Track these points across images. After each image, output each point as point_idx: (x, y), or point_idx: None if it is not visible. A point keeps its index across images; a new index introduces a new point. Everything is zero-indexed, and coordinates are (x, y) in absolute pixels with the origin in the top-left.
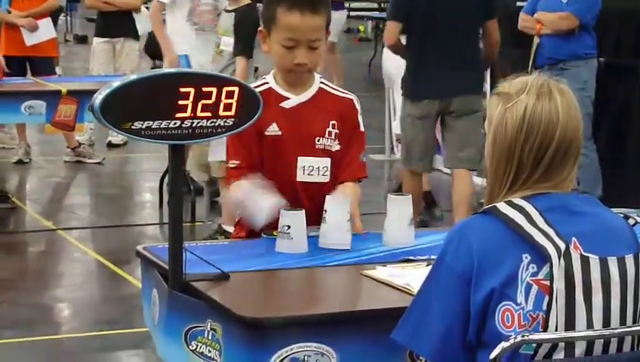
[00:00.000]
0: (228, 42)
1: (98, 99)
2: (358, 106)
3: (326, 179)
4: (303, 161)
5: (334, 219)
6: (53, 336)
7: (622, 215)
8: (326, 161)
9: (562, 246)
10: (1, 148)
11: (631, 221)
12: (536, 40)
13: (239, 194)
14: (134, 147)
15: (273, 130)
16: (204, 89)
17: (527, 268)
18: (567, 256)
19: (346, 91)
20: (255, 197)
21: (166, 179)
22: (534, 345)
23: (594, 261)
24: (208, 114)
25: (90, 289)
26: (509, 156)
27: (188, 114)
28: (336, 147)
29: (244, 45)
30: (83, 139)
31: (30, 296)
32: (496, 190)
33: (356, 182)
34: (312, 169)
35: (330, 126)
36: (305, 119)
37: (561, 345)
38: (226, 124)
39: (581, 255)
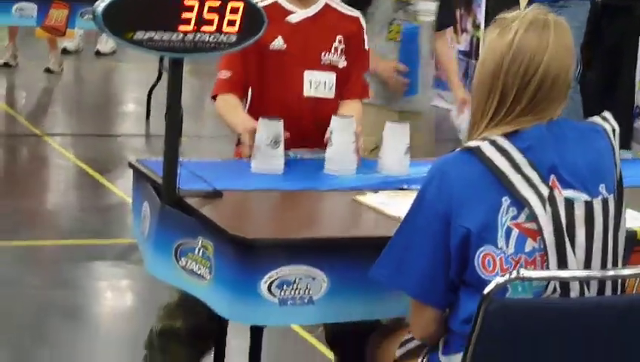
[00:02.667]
0: None
1: (101, 6)
2: (363, 24)
3: (332, 95)
4: (309, 76)
5: (340, 143)
6: (35, 242)
7: (598, 124)
8: (332, 77)
9: (546, 192)
10: None
11: (608, 128)
12: None
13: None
14: (122, 57)
15: (278, 44)
16: (208, 3)
17: (507, 212)
18: (552, 200)
19: (352, 9)
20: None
21: (154, 92)
22: (528, 289)
23: (579, 204)
24: (211, 28)
25: (72, 196)
26: (493, 81)
27: (191, 27)
28: (342, 63)
29: None
30: (71, 46)
31: (13, 200)
32: (478, 115)
33: (359, 101)
34: (318, 84)
35: (337, 41)
36: (310, 34)
37: (558, 290)
38: (228, 40)
39: (565, 199)
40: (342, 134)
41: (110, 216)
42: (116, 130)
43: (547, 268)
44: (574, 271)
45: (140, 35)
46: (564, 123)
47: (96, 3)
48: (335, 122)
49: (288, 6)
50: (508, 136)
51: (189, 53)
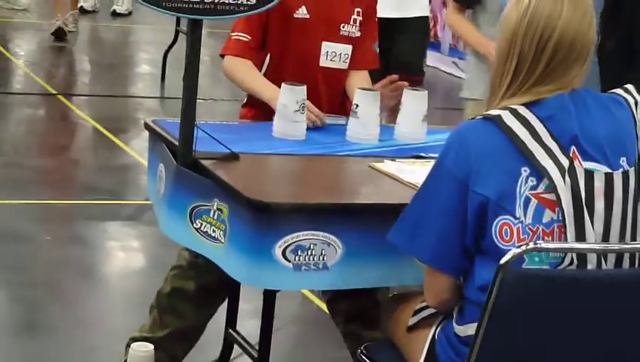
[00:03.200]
0: None
1: None
2: None
3: (346, 66)
4: (326, 47)
5: (366, 114)
6: (48, 201)
7: (620, 95)
8: (348, 49)
9: (566, 163)
10: (9, 8)
11: (631, 100)
12: None
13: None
14: (138, 18)
15: (302, 13)
16: None
17: (526, 182)
18: (571, 172)
19: None
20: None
21: (170, 53)
22: (544, 260)
23: (598, 175)
24: None
25: (86, 156)
26: (510, 47)
27: None
28: (357, 34)
29: None
30: (88, 5)
31: (28, 159)
32: (497, 82)
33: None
34: (334, 55)
35: (356, 13)
36: (332, 4)
37: (575, 262)
38: (248, 2)
39: (585, 170)
40: (367, 107)
41: (124, 177)
42: (131, 91)
43: (565, 239)
44: (591, 243)
45: None
46: (586, 93)
47: None
48: (360, 96)
49: None
50: (528, 105)
51: (208, 15)
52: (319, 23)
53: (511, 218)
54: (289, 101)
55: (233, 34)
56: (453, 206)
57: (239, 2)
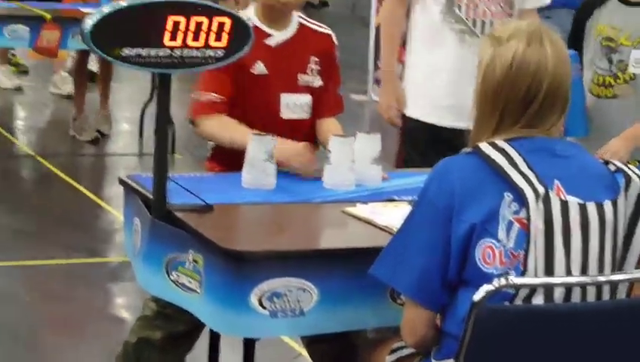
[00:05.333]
0: None
1: (89, 24)
2: (335, 41)
3: (307, 115)
4: (286, 99)
5: (340, 160)
6: (28, 262)
7: (602, 161)
8: (308, 98)
9: (541, 190)
10: None
11: (611, 167)
12: None
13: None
14: (115, 77)
15: (260, 69)
16: (194, 18)
17: (509, 206)
18: (546, 200)
19: (323, 25)
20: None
21: (147, 110)
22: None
23: (573, 206)
24: (199, 44)
25: (67, 215)
26: (495, 100)
27: (178, 43)
28: (317, 83)
29: None
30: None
31: (7, 218)
32: (481, 132)
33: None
34: (295, 106)
35: (312, 62)
36: (288, 56)
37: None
38: (216, 55)
39: (561, 199)
40: (340, 153)
41: (104, 235)
42: (111, 150)
43: (526, 266)
44: (564, 277)
45: (127, 51)
46: (568, 143)
47: (84, 21)
48: (333, 142)
49: (265, 28)
50: (508, 140)
51: (176, 69)
52: (278, 77)
53: (494, 241)
54: (258, 151)
55: (203, 95)
56: (436, 237)
57: (207, 55)
